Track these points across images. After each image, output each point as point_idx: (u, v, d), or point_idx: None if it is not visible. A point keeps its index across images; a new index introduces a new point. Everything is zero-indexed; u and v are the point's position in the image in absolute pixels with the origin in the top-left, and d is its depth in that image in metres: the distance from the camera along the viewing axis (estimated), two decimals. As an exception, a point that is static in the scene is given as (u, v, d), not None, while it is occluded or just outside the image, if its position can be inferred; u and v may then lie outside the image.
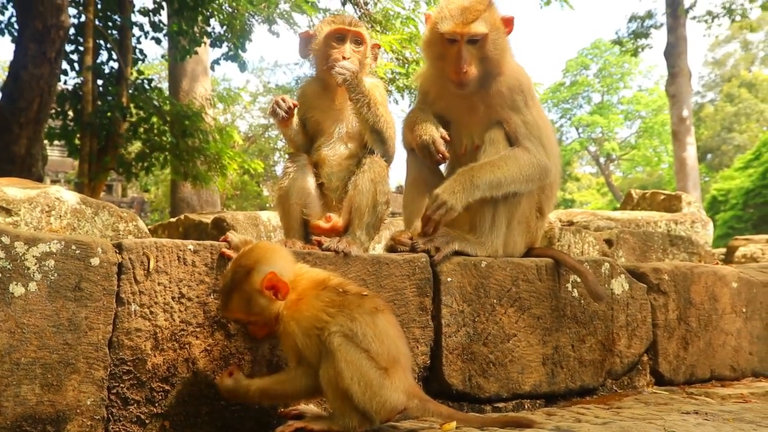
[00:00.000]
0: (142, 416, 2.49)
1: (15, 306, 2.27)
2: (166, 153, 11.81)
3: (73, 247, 2.40)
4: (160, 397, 2.52)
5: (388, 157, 3.38)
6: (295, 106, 3.40)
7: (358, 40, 3.46)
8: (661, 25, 23.57)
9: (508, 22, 3.44)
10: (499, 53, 3.38)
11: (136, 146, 12.74)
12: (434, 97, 3.58)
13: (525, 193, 3.39)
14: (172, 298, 2.56)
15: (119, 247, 2.52)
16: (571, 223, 6.82)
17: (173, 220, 6.94)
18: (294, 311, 2.43)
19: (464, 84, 3.33)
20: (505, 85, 3.39)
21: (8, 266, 2.27)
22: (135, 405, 2.48)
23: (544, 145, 3.41)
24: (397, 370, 2.41)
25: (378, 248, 4.54)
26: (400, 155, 3.64)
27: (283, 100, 3.39)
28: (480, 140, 3.42)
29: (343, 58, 3.33)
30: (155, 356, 2.52)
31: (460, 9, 3.30)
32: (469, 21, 3.28)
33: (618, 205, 9.99)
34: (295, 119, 3.50)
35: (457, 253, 3.21)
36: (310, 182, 3.40)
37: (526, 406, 3.25)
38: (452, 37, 3.30)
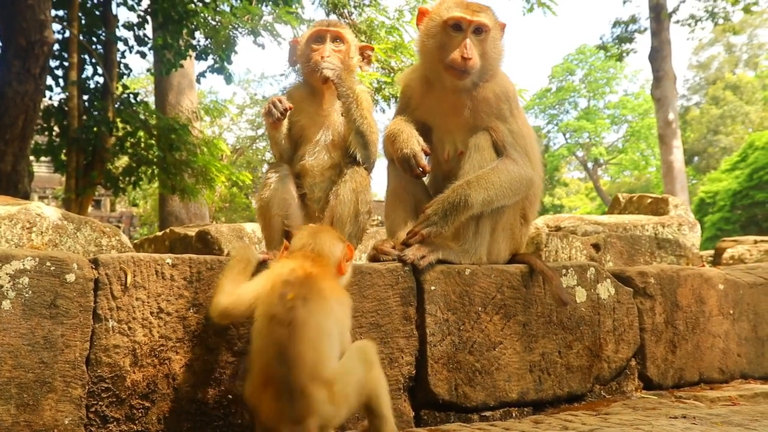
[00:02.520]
0: (122, 434, 2.45)
1: (-11, 325, 2.23)
2: (154, 167, 11.75)
3: (48, 263, 2.36)
4: (140, 415, 2.48)
5: (369, 164, 3.35)
6: (290, 108, 3.37)
7: (338, 39, 3.45)
8: (645, 29, 23.70)
9: (503, 28, 3.45)
10: (497, 55, 3.40)
11: (123, 161, 12.67)
12: (417, 101, 3.56)
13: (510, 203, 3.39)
14: (151, 313, 2.53)
15: (95, 263, 2.48)
16: (558, 229, 6.81)
17: (159, 234, 6.90)
18: None
19: (467, 72, 3.30)
20: (492, 92, 3.38)
21: (-19, 285, 2.24)
22: (114, 423, 2.44)
23: (529, 155, 3.40)
24: None
25: (364, 258, 4.51)
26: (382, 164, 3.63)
27: (280, 101, 3.36)
28: (464, 146, 3.39)
29: (322, 58, 3.32)
30: (134, 373, 2.48)
31: (467, 1, 3.35)
32: (477, 11, 3.31)
33: (606, 210, 10.01)
34: (285, 122, 3.47)
35: (441, 262, 3.18)
36: (292, 192, 3.37)
37: (514, 415, 3.22)
38: (459, 22, 3.30)
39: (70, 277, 2.39)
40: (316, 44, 3.43)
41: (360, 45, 3.60)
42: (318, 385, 2.18)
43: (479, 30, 3.31)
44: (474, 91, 3.38)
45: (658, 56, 21.60)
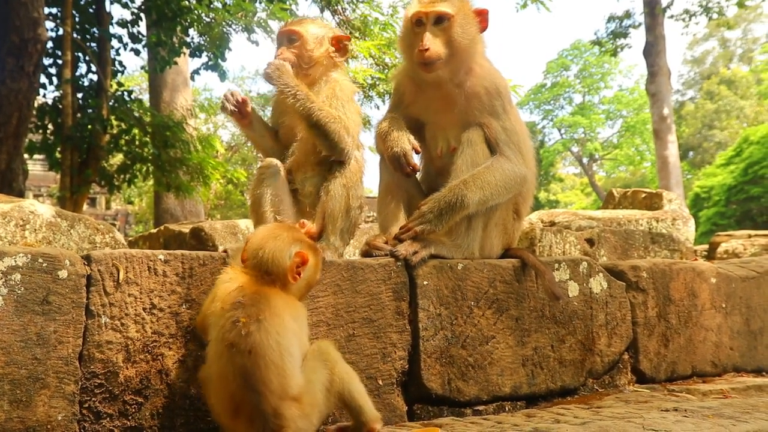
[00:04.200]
0: (115, 430, 2.45)
1: (-19, 322, 2.24)
2: (148, 164, 11.75)
3: (40, 260, 2.36)
4: (134, 410, 2.49)
5: (337, 153, 3.29)
6: (244, 100, 3.40)
7: (292, 38, 3.47)
8: (640, 24, 23.75)
9: (482, 16, 3.43)
10: (469, 41, 3.36)
11: (117, 158, 12.67)
12: (410, 98, 3.57)
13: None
14: (144, 309, 2.53)
15: (88, 259, 2.49)
16: (552, 224, 6.82)
17: (154, 231, 6.90)
18: None
19: (428, 62, 3.29)
20: (482, 85, 3.38)
21: (-27, 282, 2.24)
22: (108, 419, 2.45)
23: (522, 152, 3.40)
24: None
25: (357, 254, 4.51)
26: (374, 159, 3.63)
27: (232, 94, 3.39)
28: (456, 142, 3.39)
29: (277, 56, 3.36)
30: (127, 368, 2.49)
31: None
32: (434, 1, 3.32)
33: (602, 205, 10.03)
34: (258, 122, 3.48)
35: (433, 257, 3.19)
36: (283, 188, 3.37)
37: (507, 409, 3.24)
38: (419, 17, 3.33)
39: (63, 274, 2.40)
40: (278, 48, 3.49)
41: (333, 36, 3.57)
42: (288, 402, 2.22)
43: (440, 19, 3.31)
44: (462, 85, 3.38)
45: (653, 51, 21.65)
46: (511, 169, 3.31)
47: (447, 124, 3.47)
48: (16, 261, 2.32)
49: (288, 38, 3.46)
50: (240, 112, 3.44)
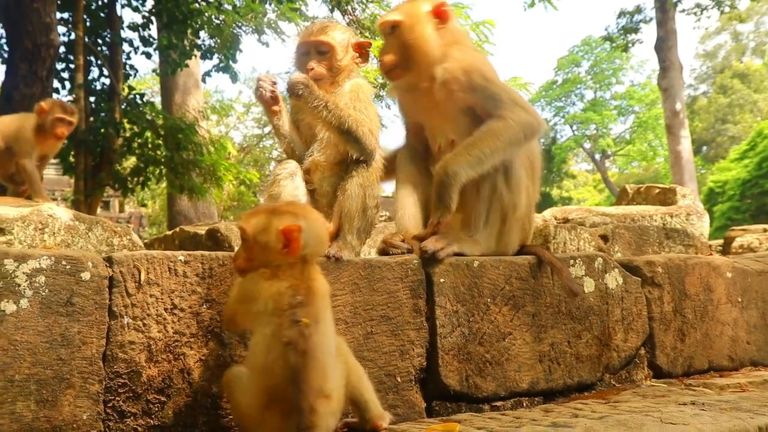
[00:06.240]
0: (139, 429, 2.49)
1: (7, 323, 2.27)
2: (161, 167, 11.80)
3: (63, 262, 2.40)
4: (157, 409, 2.52)
5: (366, 155, 3.33)
6: (275, 84, 3.42)
7: (321, 50, 3.45)
8: (651, 19, 23.66)
9: (440, 13, 3.50)
10: (424, 40, 3.45)
11: (130, 161, 12.73)
12: (405, 106, 3.75)
13: (522, 186, 3.42)
14: (165, 309, 2.57)
15: (110, 261, 2.52)
16: (566, 221, 6.81)
17: (169, 233, 6.93)
18: None
19: (386, 72, 3.53)
20: (459, 69, 3.43)
21: (-1, 284, 2.28)
22: (132, 418, 2.48)
23: (519, 103, 3.43)
24: None
25: (374, 253, 4.53)
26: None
27: (266, 78, 3.43)
28: (453, 134, 3.47)
29: (308, 70, 3.35)
30: (150, 368, 2.52)
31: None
32: (388, 13, 3.66)
33: (615, 201, 10.01)
34: (286, 117, 3.49)
35: (457, 254, 3.23)
36: (301, 188, 3.39)
37: (524, 404, 3.25)
38: (381, 30, 3.61)
39: (85, 276, 2.43)
40: (302, 57, 3.48)
41: (355, 42, 3.59)
42: (321, 399, 2.25)
43: (393, 28, 3.49)
44: (435, 80, 3.45)
45: (664, 46, 21.58)
46: (503, 123, 3.31)
47: (440, 120, 3.55)
48: (40, 263, 2.36)
49: (317, 50, 3.45)
50: (274, 98, 3.45)
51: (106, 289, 2.48)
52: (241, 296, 2.42)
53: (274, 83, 3.41)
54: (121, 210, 27.42)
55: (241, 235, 2.44)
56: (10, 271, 2.30)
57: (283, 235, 2.35)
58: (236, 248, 2.61)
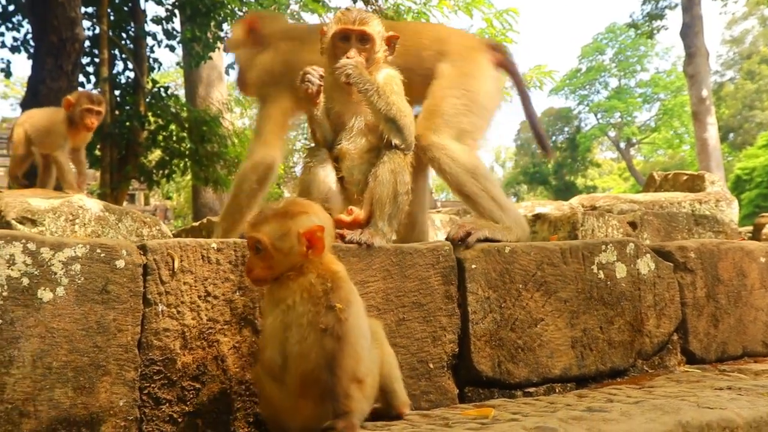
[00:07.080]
0: (175, 415, 2.50)
1: (44, 311, 2.29)
2: (186, 159, 11.86)
3: (98, 250, 2.42)
4: (192, 396, 2.54)
5: (406, 145, 3.34)
6: (321, 77, 3.38)
7: (364, 38, 3.42)
8: (676, 5, 23.39)
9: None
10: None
11: (156, 154, 12.81)
12: None
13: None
14: (198, 296, 2.58)
15: (143, 249, 2.54)
16: (593, 208, 6.76)
17: (196, 224, 6.98)
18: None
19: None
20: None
21: (36, 272, 2.29)
22: (167, 404, 2.50)
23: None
24: None
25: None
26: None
27: (314, 69, 3.38)
28: None
29: (346, 58, 3.32)
30: (184, 355, 2.53)
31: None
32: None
33: (640, 189, 9.91)
34: (321, 101, 3.47)
35: (486, 240, 3.23)
36: (331, 176, 3.39)
37: (557, 390, 3.24)
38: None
39: (120, 264, 2.45)
40: (341, 43, 3.43)
41: (386, 36, 3.57)
42: (356, 384, 2.24)
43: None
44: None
45: (690, 32, 21.31)
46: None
47: None
48: (75, 252, 2.37)
49: (360, 39, 3.42)
50: (318, 91, 3.42)
51: (141, 276, 2.49)
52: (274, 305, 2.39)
53: (321, 76, 3.38)
54: (147, 203, 27.64)
55: (254, 246, 2.39)
56: (47, 260, 2.32)
57: (306, 238, 2.35)
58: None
